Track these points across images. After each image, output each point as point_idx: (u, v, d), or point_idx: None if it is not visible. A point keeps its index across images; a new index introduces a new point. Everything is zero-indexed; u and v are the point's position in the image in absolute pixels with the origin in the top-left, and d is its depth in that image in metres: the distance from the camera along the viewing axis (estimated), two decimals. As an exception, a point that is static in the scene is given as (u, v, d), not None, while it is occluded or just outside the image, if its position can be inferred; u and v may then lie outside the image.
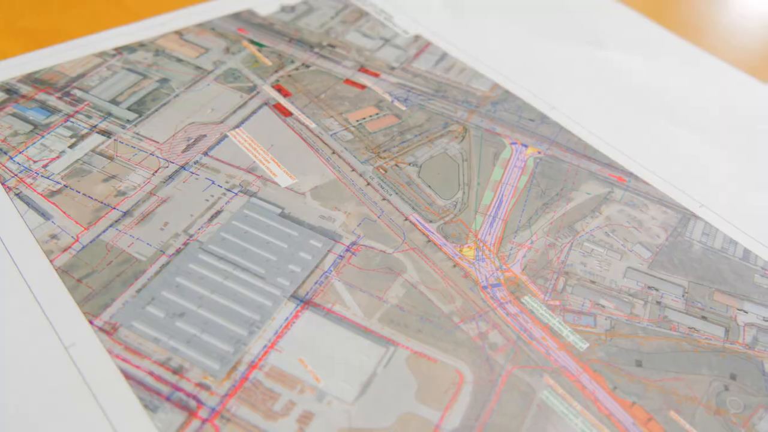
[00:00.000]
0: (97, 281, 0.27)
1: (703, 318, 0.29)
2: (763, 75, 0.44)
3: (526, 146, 0.36)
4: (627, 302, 0.30)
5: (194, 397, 0.24)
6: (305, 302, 0.28)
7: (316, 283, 0.28)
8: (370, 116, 0.36)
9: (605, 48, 0.44)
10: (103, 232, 0.29)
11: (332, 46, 0.41)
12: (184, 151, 0.33)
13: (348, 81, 0.38)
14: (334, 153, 0.34)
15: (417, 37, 0.43)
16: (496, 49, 0.42)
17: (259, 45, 0.40)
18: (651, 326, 0.29)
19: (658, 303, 0.30)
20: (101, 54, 0.38)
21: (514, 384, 0.26)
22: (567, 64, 0.42)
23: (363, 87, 0.38)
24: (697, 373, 0.27)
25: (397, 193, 0.33)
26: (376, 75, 0.39)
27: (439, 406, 0.25)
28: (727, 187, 0.36)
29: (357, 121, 0.36)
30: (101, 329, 0.26)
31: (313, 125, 0.35)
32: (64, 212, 0.30)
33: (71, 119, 0.34)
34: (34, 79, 0.36)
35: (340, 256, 0.29)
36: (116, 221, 0.30)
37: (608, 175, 0.35)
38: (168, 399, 0.24)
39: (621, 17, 0.47)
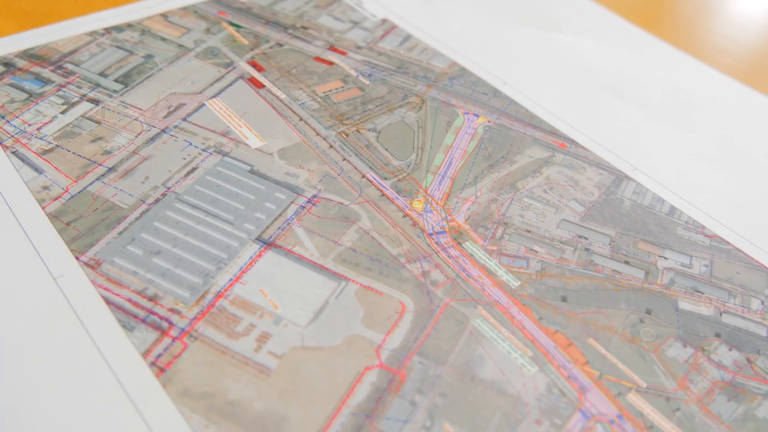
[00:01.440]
0: (83, 225, 0.31)
1: (626, 263, 0.33)
2: (705, 57, 0.47)
3: (477, 116, 0.39)
4: (558, 248, 0.33)
5: (166, 320, 0.28)
6: (268, 244, 0.31)
7: (278, 228, 0.32)
8: (336, 89, 0.40)
9: (561, 33, 0.48)
10: (90, 184, 0.33)
11: (305, 28, 0.44)
12: (164, 117, 0.37)
13: (317, 58, 0.42)
14: (301, 120, 0.38)
15: (384, 21, 0.46)
16: (457, 32, 0.46)
17: (237, 26, 0.44)
18: (578, 269, 0.32)
19: (587, 250, 0.33)
20: (92, 33, 0.41)
21: (450, 314, 0.30)
22: (523, 46, 0.46)
23: (331, 63, 0.42)
24: (616, 308, 0.31)
25: (356, 155, 0.36)
26: (343, 53, 0.43)
27: (382, 330, 0.29)
28: (661, 153, 0.39)
29: (324, 92, 0.40)
30: (86, 264, 0.29)
31: (283, 96, 0.39)
32: (55, 168, 0.33)
33: (63, 89, 0.37)
34: (30, 55, 0.39)
35: (302, 206, 0.33)
36: (102, 175, 0.33)
37: (551, 142, 0.39)
38: (143, 321, 0.28)
39: (578, 5, 0.51)
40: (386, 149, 0.37)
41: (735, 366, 0.29)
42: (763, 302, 0.32)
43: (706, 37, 0.51)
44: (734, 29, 0.52)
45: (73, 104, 0.37)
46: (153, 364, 0.26)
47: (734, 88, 0.45)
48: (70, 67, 0.39)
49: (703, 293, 0.32)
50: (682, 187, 0.37)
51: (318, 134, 0.37)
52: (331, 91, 0.40)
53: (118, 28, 0.42)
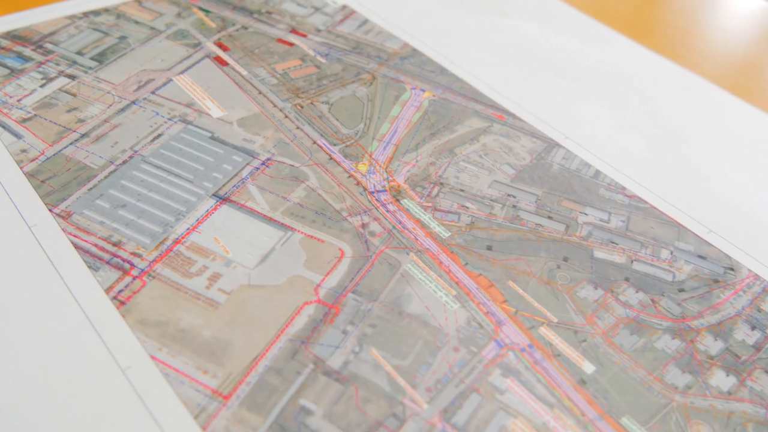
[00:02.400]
0: (57, 182, 0.34)
1: (549, 218, 0.36)
2: (643, 40, 0.51)
3: (423, 91, 0.43)
4: (488, 205, 0.36)
5: (128, 262, 0.31)
6: (223, 199, 0.35)
7: (234, 186, 0.35)
8: (294, 67, 0.43)
9: (508, 18, 0.51)
10: (64, 148, 0.36)
11: (269, 13, 0.48)
12: (135, 90, 0.40)
13: (279, 40, 0.46)
14: (260, 93, 0.41)
15: (344, 7, 0.50)
16: (411, 17, 0.49)
17: (206, 11, 0.47)
18: (505, 223, 0.36)
19: (514, 206, 0.37)
20: (71, 17, 0.45)
21: (384, 259, 0.33)
22: (472, 30, 0.49)
23: (291, 45, 0.45)
24: (537, 256, 0.34)
25: (309, 124, 0.40)
26: (304, 35, 0.46)
27: (321, 272, 0.32)
28: (592, 124, 0.43)
29: (282, 70, 0.43)
30: (58, 215, 0.33)
31: (245, 72, 0.42)
32: (33, 134, 0.37)
33: (43, 66, 0.41)
34: (12, 36, 0.43)
35: (256, 168, 0.36)
36: (75, 141, 0.37)
37: (490, 114, 0.42)
38: (107, 263, 0.31)
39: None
40: (337, 119, 0.40)
41: (640, 305, 0.33)
42: (672, 252, 0.36)
43: (645, 22, 0.54)
44: (670, 14, 0.56)
45: (51, 79, 0.40)
46: (114, 298, 0.30)
47: (664, 66, 0.48)
48: (49, 46, 0.42)
49: (617, 244, 0.35)
50: (607, 154, 0.40)
51: (275, 106, 0.40)
52: (289, 68, 0.43)
53: (96, 12, 0.45)
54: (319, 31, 0.47)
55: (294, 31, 0.47)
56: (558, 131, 0.42)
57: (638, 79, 0.47)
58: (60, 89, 0.39)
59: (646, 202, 0.38)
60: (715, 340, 0.32)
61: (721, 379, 0.30)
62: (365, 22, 0.49)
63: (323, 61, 0.44)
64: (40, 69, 0.40)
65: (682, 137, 0.43)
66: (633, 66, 0.48)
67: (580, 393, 0.29)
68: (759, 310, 0.33)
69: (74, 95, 0.39)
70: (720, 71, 0.49)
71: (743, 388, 0.30)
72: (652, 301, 0.33)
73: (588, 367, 0.30)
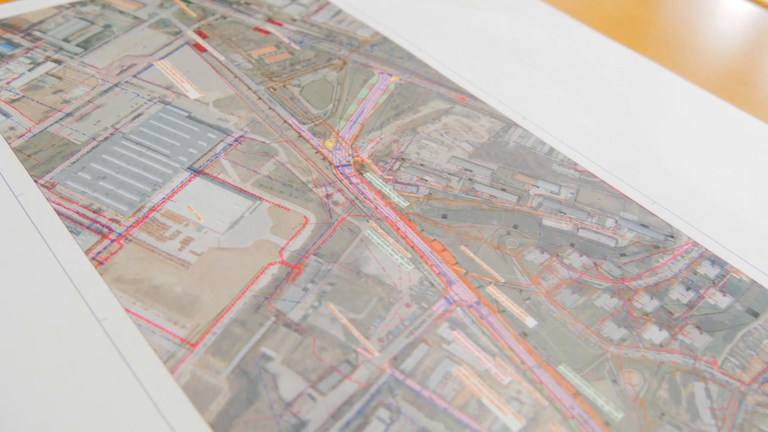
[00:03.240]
0: (42, 156, 0.37)
1: (503, 189, 0.39)
2: (606, 30, 0.53)
3: (390, 75, 0.46)
4: (445, 178, 0.39)
5: (106, 227, 0.34)
6: (197, 172, 0.37)
7: (207, 160, 0.38)
8: (269, 53, 0.46)
9: (477, 9, 0.54)
10: (50, 126, 0.39)
11: (248, 3, 0.51)
12: (117, 74, 0.43)
13: (256, 28, 0.48)
14: (235, 77, 0.44)
15: (319, -2, 0.52)
16: (383, 7, 0.52)
17: (188, 2, 0.50)
18: (460, 194, 0.38)
19: (470, 180, 0.39)
20: (58, 7, 0.48)
21: (346, 225, 0.36)
22: (441, 19, 0.52)
23: (267, 33, 0.48)
24: (488, 224, 0.37)
25: (281, 105, 0.42)
26: (280, 24, 0.49)
27: (286, 237, 0.35)
28: (550, 106, 0.45)
29: (258, 56, 0.46)
30: (43, 185, 0.35)
31: (222, 58, 0.45)
32: (21, 113, 0.39)
33: (31, 52, 0.43)
34: (2, 24, 0.45)
35: (229, 144, 0.39)
36: (60, 119, 0.39)
37: (453, 96, 0.45)
38: (88, 227, 0.34)
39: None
40: (307, 101, 0.43)
41: (583, 268, 0.35)
42: (616, 221, 0.38)
43: (607, 13, 0.57)
44: (631, 4, 0.58)
45: (39, 64, 0.43)
46: (93, 258, 0.32)
47: (624, 54, 0.51)
48: (37, 34, 0.45)
49: (565, 213, 0.38)
50: (562, 133, 0.43)
51: (249, 88, 0.43)
52: (264, 54, 0.46)
53: (82, 3, 0.48)
54: (294, 20, 0.50)
55: (270, 20, 0.49)
56: (517, 112, 0.44)
57: (598, 65, 0.50)
58: (47, 73, 0.42)
59: (595, 177, 0.41)
60: (651, 299, 0.34)
61: (654, 333, 0.33)
62: (339, 12, 0.51)
63: (297, 48, 0.47)
64: (29, 55, 0.43)
65: (634, 119, 0.45)
66: (593, 54, 0.51)
67: (522, 344, 0.32)
68: (695, 273, 0.36)
69: (60, 78, 0.42)
70: (674, 57, 0.52)
71: (674, 342, 0.33)
72: (595, 264, 0.36)
73: (530, 322, 0.33)
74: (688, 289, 0.35)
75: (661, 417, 0.30)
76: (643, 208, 0.39)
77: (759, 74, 0.53)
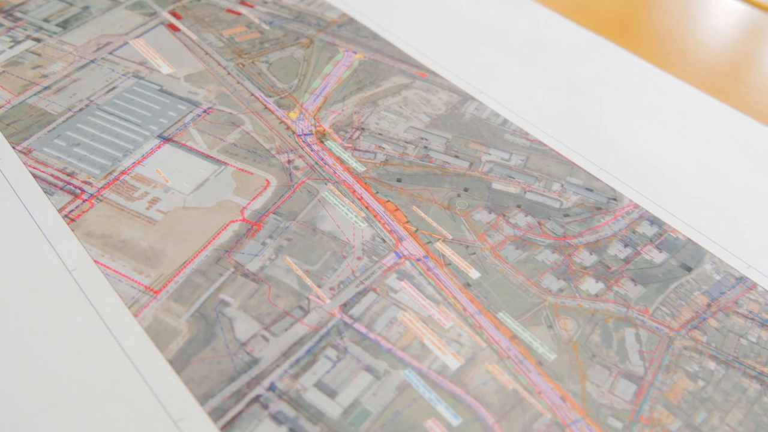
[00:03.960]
0: (20, 125, 0.39)
1: (456, 156, 0.41)
2: (565, 12, 0.56)
3: (355, 53, 0.48)
4: (402, 146, 0.41)
5: (79, 188, 0.36)
6: (166, 139, 0.39)
7: (177, 129, 0.40)
8: (240, 32, 0.48)
9: (443, -7, 0.56)
10: (28, 98, 0.41)
11: (222, -13, 0.53)
12: (94, 51, 0.45)
13: (229, 10, 0.51)
14: (207, 54, 0.46)
15: (291, -18, 0.55)
16: (352, -9, 0.54)
17: (164, -15, 0.52)
18: (415, 160, 0.41)
19: (425, 147, 0.42)
20: (40, -10, 0.50)
21: (305, 188, 0.38)
22: (408, 1, 0.54)
23: (239, 14, 0.50)
24: (440, 187, 0.39)
25: (249, 80, 0.44)
26: (251, 6, 0.51)
27: (248, 197, 0.37)
28: (507, 82, 0.47)
29: (229, 35, 0.48)
30: (20, 151, 0.38)
31: (195, 37, 0.47)
32: (1, 86, 0.41)
33: (12, 31, 0.46)
34: (-13, 5, 0.48)
35: (198, 115, 0.41)
36: (38, 92, 0.41)
37: (414, 72, 0.47)
38: (61, 189, 0.36)
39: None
40: (274, 76, 0.45)
41: (527, 227, 0.38)
42: (562, 185, 0.40)
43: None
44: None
45: (19, 42, 0.45)
46: (66, 216, 0.35)
47: (583, 35, 0.53)
48: (18, 14, 0.47)
49: (513, 178, 0.40)
50: (517, 107, 0.45)
51: (219, 64, 0.45)
52: (235, 34, 0.48)
53: (62, -14, 0.50)
54: (265, 2, 0.52)
55: (243, 2, 0.52)
56: (474, 87, 0.46)
57: (555, 45, 0.52)
58: (27, 50, 0.44)
59: (546, 145, 0.43)
60: (591, 254, 0.37)
61: (591, 285, 0.35)
62: (309, -5, 0.53)
63: (267, 28, 0.49)
64: (10, 33, 0.45)
65: (587, 95, 0.47)
66: (552, 34, 0.53)
67: (465, 294, 0.34)
68: (634, 232, 0.38)
69: (39, 55, 0.44)
70: (628, 36, 0.54)
71: (609, 292, 0.35)
72: (539, 223, 0.38)
73: (474, 274, 0.35)
74: (626, 246, 0.38)
75: (592, 358, 0.32)
76: (589, 174, 0.41)
77: (704, 48, 0.55)
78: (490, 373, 0.31)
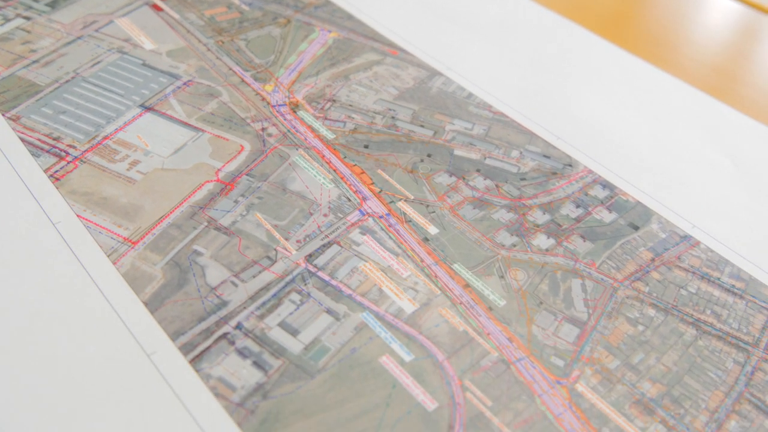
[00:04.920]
0: (9, 95, 0.42)
1: (421, 126, 0.44)
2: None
3: (330, 31, 0.50)
4: (370, 116, 0.44)
5: (64, 151, 0.39)
6: (147, 108, 0.42)
7: (158, 99, 0.43)
8: (221, 12, 0.51)
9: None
10: (18, 71, 0.43)
11: (205, -29, 0.55)
12: (81, 29, 0.48)
13: (210, -8, 0.53)
14: (188, 32, 0.49)
15: (271, -33, 0.57)
16: (329, -25, 0.57)
17: (149, -31, 0.55)
18: (383, 129, 0.43)
19: (393, 118, 0.44)
20: (31, -28, 0.52)
21: (277, 152, 0.40)
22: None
23: (221, -4, 0.53)
24: (405, 153, 0.42)
25: (228, 56, 0.47)
26: (232, -11, 0.54)
27: (223, 160, 0.39)
28: (474, 59, 0.50)
29: (210, 14, 0.51)
30: (9, 118, 0.40)
31: (177, 16, 0.50)
32: (-7, 60, 0.44)
33: (2, 9, 0.48)
34: (-21, -13, 0.50)
35: (178, 87, 0.44)
36: (27, 65, 0.44)
37: (386, 50, 0.50)
38: (47, 152, 0.38)
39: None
40: (252, 53, 0.48)
41: (485, 189, 0.40)
42: (521, 152, 0.43)
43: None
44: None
45: (9, 20, 0.47)
46: (51, 175, 0.37)
47: (552, 18, 0.56)
48: (10, -5, 0.50)
49: (475, 145, 0.43)
50: (482, 81, 0.48)
51: (200, 42, 0.48)
52: (216, 13, 0.51)
53: (52, -31, 0.53)
54: (246, -15, 0.54)
55: (224, -15, 0.54)
56: (443, 64, 0.49)
57: (523, 26, 0.54)
58: (17, 27, 0.47)
59: (508, 117, 0.45)
60: (544, 213, 0.39)
61: (542, 241, 0.38)
62: (288, -21, 0.56)
63: (246, 8, 0.52)
64: (0, 12, 0.48)
65: (548, 70, 0.50)
66: (520, 16, 0.56)
67: (423, 247, 0.36)
68: (586, 194, 0.41)
69: (29, 32, 0.47)
70: (585, 14, 0.57)
71: (559, 248, 0.38)
72: (496, 186, 0.41)
73: (432, 230, 0.37)
74: (578, 206, 0.40)
75: (539, 305, 0.35)
76: (547, 142, 0.44)
77: (655, 25, 0.58)
78: (442, 316, 0.33)
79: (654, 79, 0.50)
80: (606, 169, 0.43)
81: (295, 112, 0.43)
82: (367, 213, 0.38)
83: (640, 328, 0.34)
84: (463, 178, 0.41)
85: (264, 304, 0.33)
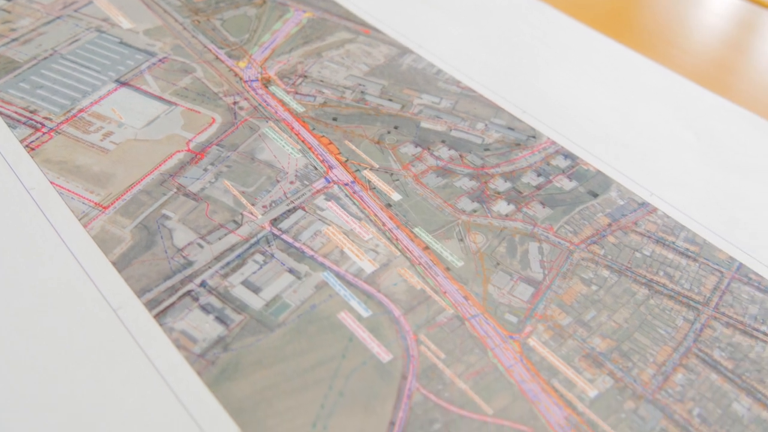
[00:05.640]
0: (-11, 71, 0.43)
1: (390, 100, 0.45)
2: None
3: (304, 11, 0.52)
4: (340, 91, 0.45)
5: (40, 123, 0.40)
6: (123, 83, 0.43)
7: (133, 75, 0.44)
8: (198, -6, 0.52)
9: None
10: (-2, 48, 0.45)
11: (184, -45, 0.57)
12: (60, 9, 0.49)
13: (189, -25, 0.54)
14: (165, 12, 0.50)
15: (250, -49, 0.59)
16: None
17: (130, -47, 0.56)
18: (352, 103, 0.44)
19: (362, 92, 0.45)
20: (13, -44, 0.54)
21: (247, 125, 0.42)
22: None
23: (199, -22, 0.54)
24: (372, 125, 0.43)
25: (203, 34, 0.48)
26: (210, -28, 0.55)
27: (194, 131, 0.41)
28: (445, 38, 0.51)
29: (188, -4, 0.52)
30: (-12, 92, 0.41)
31: (155, -3, 0.51)
32: (-26, 38, 0.45)
33: (-14, -9, 0.50)
34: (-37, -30, 0.51)
35: (153, 63, 0.45)
36: (6, 43, 0.45)
37: (359, 29, 0.51)
38: (24, 123, 0.40)
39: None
40: (227, 31, 0.49)
41: (449, 159, 0.42)
42: (486, 125, 0.44)
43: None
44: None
45: (-8, 1, 0.49)
46: (27, 146, 0.38)
47: (524, 2, 0.57)
48: (-7, -23, 0.51)
49: (441, 118, 0.44)
50: (451, 58, 0.49)
51: (176, 21, 0.49)
52: (193, -5, 0.52)
53: (34, -47, 0.54)
54: (224, -32, 0.56)
55: (203, -32, 0.55)
56: (414, 42, 0.50)
57: (495, 6, 0.56)
58: (-2, 8, 0.48)
59: (475, 92, 0.47)
60: (505, 182, 0.41)
61: (503, 207, 0.39)
62: (266, -38, 0.57)
63: (223, -10, 0.53)
64: (-16, -6, 0.49)
65: (518, 49, 0.51)
66: (501, 4, 0.57)
67: (385, 212, 0.38)
68: (548, 164, 0.42)
69: (9, 12, 0.48)
70: (571, 3, 0.58)
71: (519, 213, 0.39)
72: (460, 156, 0.42)
73: (396, 197, 0.39)
74: (539, 175, 0.41)
75: (496, 266, 0.36)
76: (513, 116, 0.45)
77: (630, 6, 0.59)
78: (401, 276, 0.35)
79: (622, 58, 0.51)
80: (570, 141, 0.44)
81: (266, 87, 0.44)
82: (333, 180, 0.39)
83: (594, 287, 0.36)
84: (429, 149, 0.42)
85: (228, 264, 0.34)
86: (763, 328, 0.35)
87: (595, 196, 0.40)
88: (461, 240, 0.37)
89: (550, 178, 0.41)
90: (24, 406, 0.28)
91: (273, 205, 0.37)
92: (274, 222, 0.36)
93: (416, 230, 0.37)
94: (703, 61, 0.53)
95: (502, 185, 0.40)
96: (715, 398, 0.32)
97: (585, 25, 0.54)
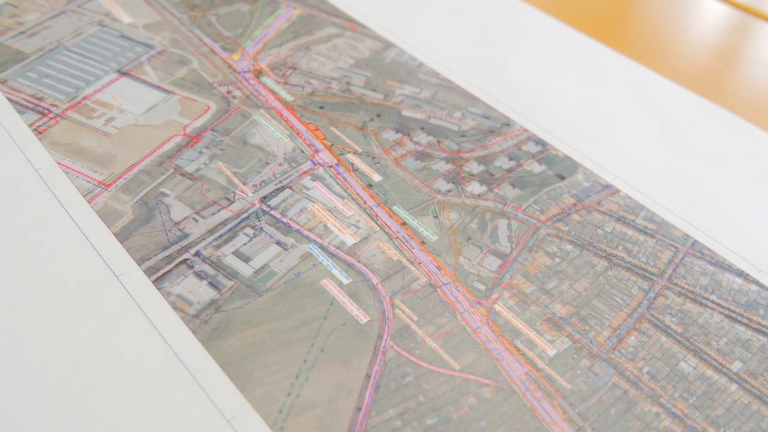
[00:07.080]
0: (-1, 62, 0.46)
1: (373, 90, 0.48)
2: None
3: (295, 8, 0.55)
4: (327, 82, 0.48)
5: (47, 109, 0.43)
6: (124, 73, 0.46)
7: (133, 66, 0.47)
8: (195, -9, 0.55)
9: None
10: (6, 41, 0.48)
11: (181, -45, 0.60)
12: (65, 4, 0.52)
13: (186, -27, 0.57)
14: (163, 8, 0.53)
15: (244, -48, 0.62)
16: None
17: (130, -47, 0.59)
18: (338, 93, 0.48)
19: (348, 83, 0.48)
20: (20, -45, 0.57)
21: (240, 112, 0.45)
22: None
23: (195, -24, 0.57)
24: (356, 113, 0.46)
25: (199, 29, 0.51)
26: (206, -30, 0.58)
27: (190, 118, 0.44)
28: (429, 33, 0.54)
29: (184, -7, 0.55)
30: (-2, 81, 0.45)
31: (154, -6, 0.54)
32: (-16, 32, 0.48)
33: (-6, -12, 0.53)
34: (-28, -32, 0.54)
35: (152, 55, 0.48)
36: (14, 36, 0.48)
37: (346, 25, 0.54)
38: (31, 109, 0.43)
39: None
40: (222, 26, 0.52)
41: (427, 144, 0.45)
42: (463, 113, 0.47)
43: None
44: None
45: (0, -3, 0.52)
46: (35, 129, 0.42)
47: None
48: (0, -25, 0.54)
49: (421, 107, 0.47)
50: (433, 53, 0.52)
51: (174, 16, 0.52)
52: (190, -8, 0.55)
53: (39, -47, 0.57)
54: (219, -33, 0.59)
55: (199, -33, 0.58)
56: (398, 37, 0.53)
57: (474, 6, 0.59)
58: (5, 3, 0.51)
59: (454, 83, 0.50)
60: (479, 165, 0.44)
61: (476, 187, 0.42)
62: (259, -38, 0.60)
63: (218, -13, 0.56)
64: (-8, -10, 0.52)
65: (496, 44, 0.54)
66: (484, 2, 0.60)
67: (366, 192, 0.41)
68: (519, 150, 0.45)
69: (16, 7, 0.51)
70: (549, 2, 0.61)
71: (490, 193, 0.42)
72: (438, 141, 0.45)
73: (377, 178, 0.42)
74: (510, 159, 0.44)
75: (467, 240, 0.39)
76: (488, 105, 0.48)
77: (604, 3, 0.62)
78: (379, 248, 0.38)
79: (591, 51, 0.54)
80: (541, 129, 0.47)
81: (258, 77, 0.48)
82: (319, 163, 0.42)
83: (557, 260, 0.39)
84: (408, 135, 0.45)
85: (221, 236, 0.37)
86: (713, 297, 0.38)
87: (563, 178, 0.44)
88: (436, 217, 0.40)
89: (521, 162, 0.44)
90: (35, 360, 0.31)
91: (263, 184, 0.40)
92: (264, 199, 0.39)
93: (395, 208, 0.40)
94: (668, 53, 0.56)
95: (476, 168, 0.43)
96: (664, 358, 0.35)
97: (557, 20, 0.57)
